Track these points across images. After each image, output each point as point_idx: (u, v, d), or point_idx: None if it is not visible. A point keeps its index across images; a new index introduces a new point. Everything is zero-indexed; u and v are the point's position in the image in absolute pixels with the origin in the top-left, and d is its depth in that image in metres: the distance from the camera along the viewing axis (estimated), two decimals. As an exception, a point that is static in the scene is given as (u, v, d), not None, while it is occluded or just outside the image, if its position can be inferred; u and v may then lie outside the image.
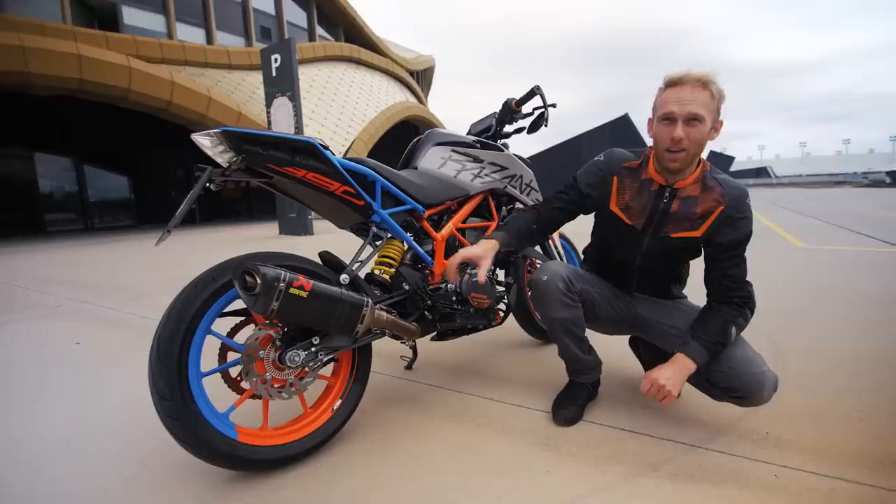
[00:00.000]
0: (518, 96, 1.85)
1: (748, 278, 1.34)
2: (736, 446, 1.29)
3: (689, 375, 1.27)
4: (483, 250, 1.37)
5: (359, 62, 22.26)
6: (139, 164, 17.69)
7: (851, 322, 2.41)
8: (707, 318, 1.32)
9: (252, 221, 15.42)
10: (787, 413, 1.46)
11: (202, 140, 1.14)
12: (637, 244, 1.41)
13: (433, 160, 1.68)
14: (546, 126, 1.87)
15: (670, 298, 1.52)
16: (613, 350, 1.93)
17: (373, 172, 1.38)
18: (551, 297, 1.42)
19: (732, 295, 1.31)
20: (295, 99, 8.38)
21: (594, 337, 1.61)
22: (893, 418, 1.44)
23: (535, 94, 1.81)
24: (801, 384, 1.68)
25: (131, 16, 15.15)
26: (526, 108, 1.87)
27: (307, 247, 6.54)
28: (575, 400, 1.50)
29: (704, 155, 1.35)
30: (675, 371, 1.26)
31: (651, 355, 1.61)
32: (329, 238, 7.98)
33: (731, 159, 34.63)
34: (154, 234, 11.08)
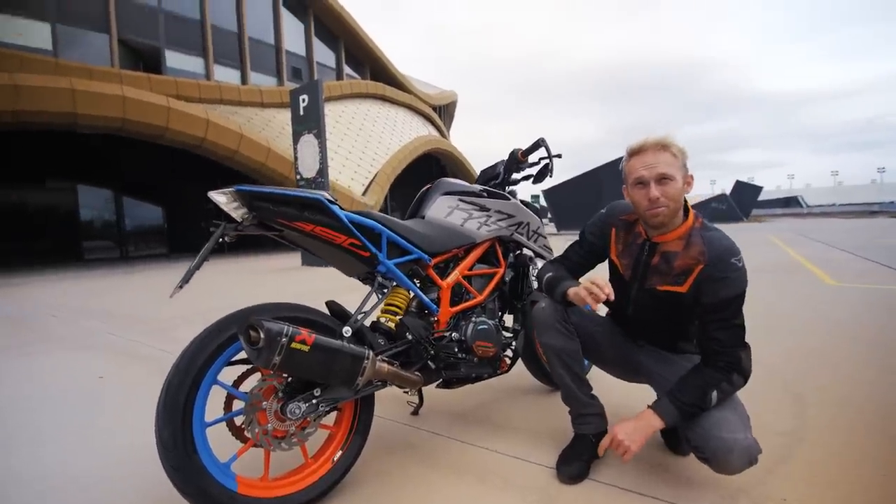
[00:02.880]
0: (525, 147, 1.90)
1: (748, 340, 1.29)
2: (748, 513, 1.23)
3: (670, 429, 1.28)
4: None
5: (384, 98, 23.12)
6: (172, 195, 18.53)
7: (882, 371, 2.29)
8: (689, 379, 1.28)
9: (276, 251, 15.80)
10: (805, 475, 1.39)
11: (218, 197, 1.21)
12: (627, 294, 1.45)
13: (440, 209, 1.73)
14: (551, 176, 1.93)
15: (679, 353, 1.49)
16: (623, 405, 1.89)
17: (378, 225, 1.43)
18: (547, 323, 1.49)
19: (718, 359, 1.26)
20: (320, 136, 8.72)
21: (598, 387, 1.58)
22: (922, 486, 1.35)
23: (541, 146, 1.86)
24: (823, 440, 1.60)
25: (173, 59, 16.24)
26: (532, 158, 1.92)
27: (328, 278, 6.65)
28: (580, 455, 1.46)
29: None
30: (638, 427, 1.26)
31: None
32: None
33: (758, 189, 33.89)
34: (184, 262, 11.46)
